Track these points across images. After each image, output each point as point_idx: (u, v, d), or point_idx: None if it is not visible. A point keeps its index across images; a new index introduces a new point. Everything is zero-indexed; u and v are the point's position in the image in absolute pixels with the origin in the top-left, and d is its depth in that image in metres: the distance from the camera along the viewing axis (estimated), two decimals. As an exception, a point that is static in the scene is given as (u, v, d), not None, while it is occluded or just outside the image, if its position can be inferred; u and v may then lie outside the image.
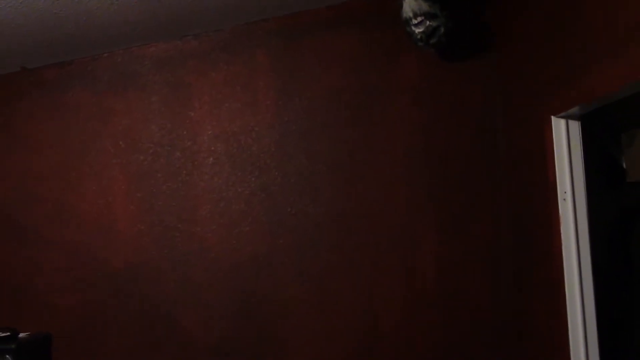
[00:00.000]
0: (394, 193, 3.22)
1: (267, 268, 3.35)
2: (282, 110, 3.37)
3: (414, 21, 2.93)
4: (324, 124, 3.32)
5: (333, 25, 3.34)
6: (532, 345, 2.93)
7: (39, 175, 3.65)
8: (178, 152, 3.50)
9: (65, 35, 3.32)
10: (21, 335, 2.77)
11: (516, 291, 3.06)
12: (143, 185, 3.52)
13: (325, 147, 3.31)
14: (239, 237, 3.39)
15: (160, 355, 3.41)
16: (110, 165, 3.57)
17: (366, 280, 3.23)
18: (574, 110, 2.45)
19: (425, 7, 2.91)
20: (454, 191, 3.16)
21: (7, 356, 2.57)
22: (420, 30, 2.93)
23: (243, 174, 3.41)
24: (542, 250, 2.71)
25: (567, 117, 2.53)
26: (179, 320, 3.41)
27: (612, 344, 2.68)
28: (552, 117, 2.55)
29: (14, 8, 2.95)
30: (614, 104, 2.30)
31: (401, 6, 2.96)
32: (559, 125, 2.55)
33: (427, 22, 2.92)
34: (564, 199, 2.51)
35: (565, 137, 2.54)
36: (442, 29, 2.93)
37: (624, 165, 3.26)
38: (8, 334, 2.73)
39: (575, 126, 2.55)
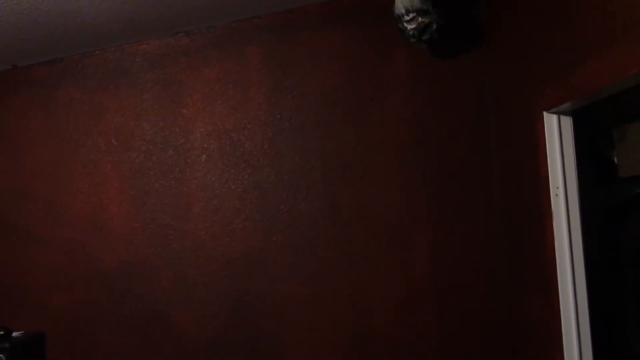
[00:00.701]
0: (387, 190, 3.23)
1: (260, 265, 3.35)
2: (275, 107, 3.37)
3: (406, 17, 2.93)
4: (317, 121, 3.32)
5: (325, 22, 3.34)
6: (526, 339, 2.95)
7: (30, 174, 3.63)
8: (171, 149, 3.49)
9: (56, 32, 3.30)
10: (15, 334, 2.77)
11: (510, 286, 3.08)
12: (136, 183, 3.51)
13: (318, 144, 3.31)
14: (233, 235, 3.39)
15: (154, 353, 3.40)
16: (102, 163, 3.56)
17: (360, 277, 3.24)
18: (566, 106, 2.46)
19: (417, 3, 2.91)
20: (447, 187, 3.17)
21: (1, 355, 2.56)
22: (413, 26, 2.93)
23: (236, 171, 3.41)
24: (534, 245, 2.73)
25: (559, 113, 2.54)
26: (173, 318, 3.41)
27: (604, 337, 2.70)
28: (544, 113, 2.56)
29: (4, 5, 2.93)
30: (605, 100, 2.31)
31: (393, 3, 2.97)
32: (550, 121, 2.56)
33: (419, 19, 2.92)
34: (556, 194, 2.53)
35: (557, 133, 2.55)
36: (434, 26, 2.94)
37: (616, 161, 3.27)
38: (2, 333, 2.73)
39: (567, 122, 2.56)
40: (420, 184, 3.20)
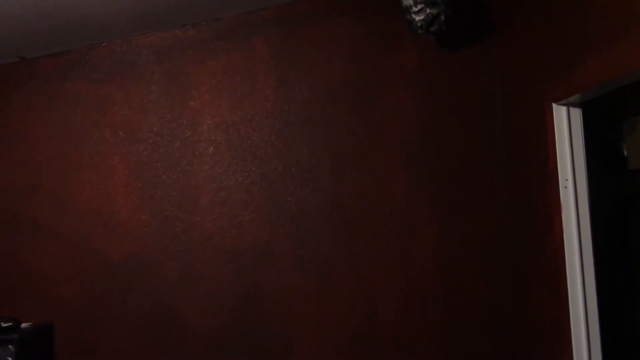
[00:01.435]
0: (394, 182, 3.22)
1: (267, 257, 3.35)
2: (282, 99, 3.36)
3: (414, 9, 2.92)
4: (324, 113, 3.31)
5: (332, 14, 3.32)
6: (531, 335, 2.94)
7: (38, 166, 3.64)
8: (178, 141, 3.49)
9: (63, 24, 3.30)
10: (23, 325, 2.77)
11: (515, 283, 3.07)
12: (143, 175, 3.51)
13: (326, 136, 3.30)
14: (240, 227, 3.39)
15: (160, 345, 3.41)
16: (109, 155, 3.56)
17: (366, 270, 3.23)
18: (575, 97, 2.45)
19: (425, -6, 2.90)
20: (454, 180, 3.16)
21: (10, 346, 2.57)
22: (421, 18, 2.92)
23: (243, 163, 3.41)
24: (542, 238, 2.71)
25: (568, 105, 2.53)
26: (180, 310, 3.41)
27: (613, 331, 2.69)
28: (554, 105, 2.54)
29: (12, -3, 2.93)
30: (614, 92, 2.30)
31: (401, -6, 2.95)
32: (560, 113, 2.55)
33: (428, 10, 2.90)
34: (565, 187, 2.51)
35: (566, 125, 2.54)
36: (443, 17, 2.92)
37: (625, 153, 3.26)
38: (10, 324, 2.72)
39: (577, 113, 2.54)
40: (426, 178, 3.18)
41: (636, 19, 1.91)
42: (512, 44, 2.99)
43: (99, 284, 3.52)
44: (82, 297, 3.52)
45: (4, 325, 2.72)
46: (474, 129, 3.15)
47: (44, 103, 3.67)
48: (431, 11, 2.90)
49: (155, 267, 3.46)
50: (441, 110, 3.18)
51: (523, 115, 2.88)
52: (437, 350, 3.15)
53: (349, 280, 3.25)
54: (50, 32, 3.38)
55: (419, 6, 2.91)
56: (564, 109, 2.53)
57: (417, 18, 2.92)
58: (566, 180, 2.52)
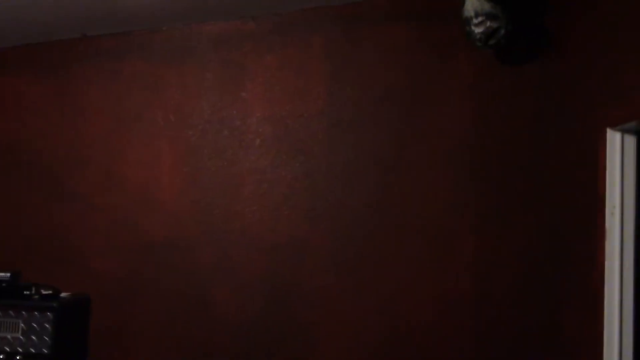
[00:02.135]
0: (436, 192, 3.21)
1: (302, 253, 3.37)
2: (333, 98, 3.38)
3: (475, 21, 2.91)
4: (374, 117, 3.32)
5: (391, 18, 3.33)
6: (563, 356, 2.91)
7: (89, 141, 3.73)
8: (226, 130, 3.54)
9: (126, 6, 3.38)
10: (63, 294, 2.86)
11: (551, 299, 3.03)
12: (189, 160, 3.57)
13: (373, 139, 3.31)
14: (278, 220, 3.43)
15: (190, 327, 3.47)
16: (159, 138, 3.63)
17: (400, 275, 3.23)
18: (631, 124, 2.41)
19: (487, 7, 2.88)
20: (498, 194, 3.14)
21: (49, 314, 2.65)
22: (480, 30, 2.91)
23: (288, 158, 3.44)
24: (583, 262, 2.68)
25: (623, 131, 2.50)
26: (212, 296, 3.47)
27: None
28: (608, 129, 2.51)
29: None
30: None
31: (463, 4, 2.94)
32: (614, 138, 2.51)
33: (488, 23, 2.89)
34: (612, 213, 2.48)
35: (619, 151, 2.50)
36: (502, 31, 2.90)
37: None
38: (50, 292, 2.82)
39: (631, 141, 2.51)
40: (470, 189, 3.16)
41: None
42: (570, 63, 2.96)
43: (136, 262, 3.60)
44: (119, 273, 3.60)
45: (44, 292, 2.82)
46: (523, 145, 3.12)
47: (102, 80, 3.76)
48: (491, 25, 2.88)
49: (191, 251, 3.52)
50: (492, 123, 3.16)
51: (576, 136, 2.84)
52: (466, 361, 3.14)
53: (381, 283, 3.25)
54: (112, 13, 3.46)
55: (480, 18, 2.89)
56: (618, 134, 2.50)
57: (477, 30, 2.91)
58: (613, 207, 2.49)
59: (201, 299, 3.48)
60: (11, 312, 2.68)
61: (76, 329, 2.88)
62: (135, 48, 3.71)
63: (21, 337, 2.67)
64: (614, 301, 2.45)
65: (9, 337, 2.67)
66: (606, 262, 2.47)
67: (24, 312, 2.68)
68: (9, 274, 2.79)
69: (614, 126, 2.47)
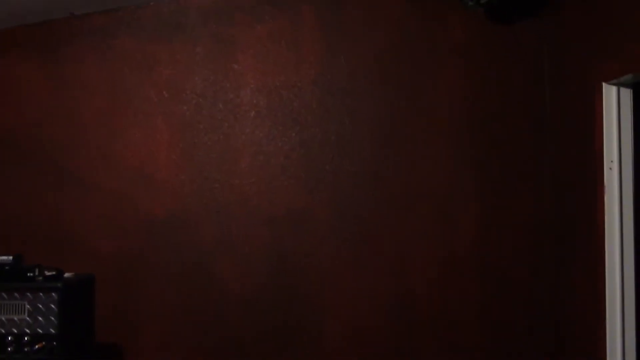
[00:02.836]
0: (435, 156, 3.21)
1: (303, 224, 3.38)
2: (326, 67, 3.36)
3: (466, -20, 2.87)
4: (368, 84, 3.30)
5: (381, -17, 3.29)
6: (569, 313, 2.93)
7: (84, 122, 3.71)
8: (220, 104, 3.52)
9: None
10: (66, 275, 2.87)
11: (555, 261, 3.05)
12: (185, 136, 3.56)
13: (368, 106, 3.30)
14: (277, 191, 3.43)
15: (196, 302, 3.49)
16: (153, 115, 3.61)
17: (402, 244, 3.25)
18: (627, 78, 2.40)
19: (478, -35, 2.85)
20: (498, 156, 3.14)
21: (54, 294, 2.66)
22: (472, -11, 2.87)
23: (284, 129, 3.43)
24: (584, 219, 2.69)
25: (619, 85, 2.48)
26: (216, 270, 3.48)
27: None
28: (604, 84, 2.50)
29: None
30: (670, 73, 2.24)
31: (453, -36, 2.90)
32: (610, 93, 2.50)
33: (479, -18, 2.86)
34: (610, 168, 2.48)
35: (615, 105, 2.49)
36: (494, -11, 2.87)
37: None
38: (54, 273, 2.83)
39: (627, 94, 2.50)
40: (470, 152, 3.16)
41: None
42: (564, 19, 2.93)
43: (138, 240, 3.61)
44: (121, 251, 3.61)
45: (48, 273, 2.83)
46: (520, 105, 3.11)
47: (93, 59, 3.72)
48: (483, -17, 2.85)
49: (192, 227, 3.53)
50: (488, 84, 3.14)
51: (572, 92, 2.83)
52: (473, 326, 3.16)
53: (385, 252, 3.27)
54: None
55: (471, -22, 2.86)
56: (614, 88, 2.49)
57: (469, -10, 2.87)
58: (611, 162, 2.48)
59: (205, 274, 3.50)
60: (16, 295, 2.69)
61: (82, 308, 2.89)
62: (124, 25, 3.67)
63: (27, 318, 2.69)
64: (614, 256, 2.46)
65: (15, 319, 2.69)
66: (606, 217, 2.47)
67: (28, 294, 2.70)
68: (11, 257, 2.80)
69: (609, 80, 2.45)
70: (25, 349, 2.65)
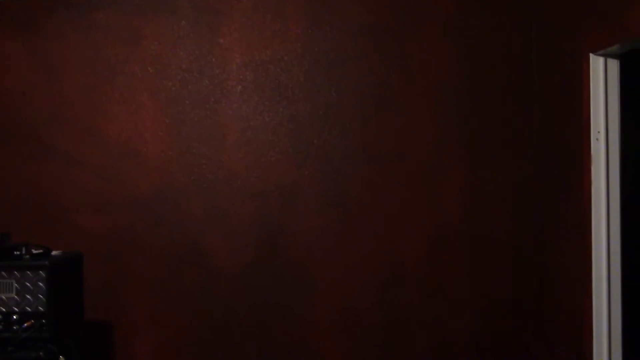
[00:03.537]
0: (423, 127, 3.21)
1: (292, 198, 3.38)
2: (312, 40, 3.33)
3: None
4: (354, 56, 3.28)
5: (367, -47, 3.24)
6: (554, 281, 2.96)
7: (68, 97, 3.65)
8: (206, 79, 3.48)
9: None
10: (54, 252, 2.85)
11: (542, 227, 3.07)
12: (171, 112, 3.52)
13: (355, 79, 3.28)
14: (266, 167, 3.42)
15: (187, 277, 3.49)
16: (138, 91, 3.57)
17: (392, 214, 3.28)
18: (614, 48, 2.39)
19: None
20: (485, 125, 3.15)
21: (41, 272, 2.65)
22: (459, -41, 2.84)
23: (271, 104, 3.41)
24: (571, 188, 2.70)
25: (606, 55, 2.48)
26: (205, 245, 3.48)
27: (635, 283, 2.69)
28: (591, 55, 2.49)
29: None
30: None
31: None
32: (597, 63, 2.50)
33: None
34: (597, 139, 2.49)
35: (602, 76, 2.49)
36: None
37: (660, 108, 3.19)
38: (41, 251, 2.81)
39: (614, 65, 2.49)
40: (457, 123, 3.17)
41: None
42: (552, -9, 2.91)
43: (126, 217, 3.59)
44: (109, 228, 3.59)
45: (35, 252, 2.81)
46: (507, 75, 3.11)
47: (76, 34, 3.65)
48: (470, -47, 2.81)
49: (181, 203, 3.51)
50: (475, 54, 3.13)
51: (560, 63, 2.82)
52: (462, 295, 3.21)
53: (374, 223, 3.30)
54: (81, -38, 3.34)
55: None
56: (601, 59, 2.48)
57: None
58: (598, 132, 2.49)
59: (194, 249, 3.50)
60: (3, 273, 2.67)
61: (70, 286, 2.88)
62: (107, -1, 3.60)
63: (16, 297, 2.67)
64: (601, 226, 2.48)
65: (3, 297, 2.67)
66: (592, 188, 2.49)
67: (16, 272, 2.68)
68: (-3, 236, 2.79)
69: (596, 51, 2.45)
70: (14, 327, 2.64)
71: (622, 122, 2.49)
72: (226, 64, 3.45)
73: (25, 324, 2.63)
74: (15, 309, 2.67)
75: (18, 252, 2.76)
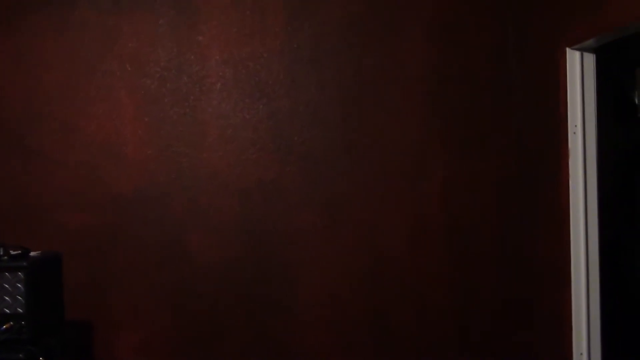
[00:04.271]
0: (403, 121, 3.24)
1: (274, 195, 3.38)
2: (292, 36, 3.33)
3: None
4: (335, 51, 3.28)
5: (345, -51, 3.24)
6: (535, 273, 2.99)
7: (46, 96, 3.61)
8: (185, 77, 3.46)
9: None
10: (32, 253, 2.82)
11: (521, 221, 3.09)
12: (150, 110, 3.50)
13: (335, 75, 3.29)
14: (247, 164, 3.41)
15: (168, 276, 3.47)
16: (117, 89, 3.53)
17: (373, 209, 3.30)
18: (590, 42, 2.41)
19: None
20: (464, 120, 3.17)
21: (19, 273, 2.62)
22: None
23: (251, 101, 3.40)
24: (549, 182, 2.72)
25: (582, 50, 2.50)
26: (187, 243, 3.46)
27: (613, 276, 2.73)
28: (567, 49, 2.52)
29: None
30: (630, 38, 2.26)
31: None
32: (573, 58, 2.52)
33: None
34: (574, 133, 2.51)
35: (579, 70, 2.51)
36: (459, -45, 2.85)
37: (637, 102, 3.23)
38: (19, 252, 2.78)
39: (590, 59, 2.52)
40: (437, 117, 3.19)
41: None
42: (529, -14, 2.92)
43: (106, 216, 3.55)
44: (91, 227, 3.56)
45: (13, 253, 2.78)
46: (486, 70, 3.13)
47: (52, 31, 3.61)
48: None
49: (162, 201, 3.49)
50: (454, 50, 3.15)
51: (537, 58, 2.84)
52: (443, 288, 3.25)
53: (356, 217, 3.32)
54: (57, -41, 3.30)
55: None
56: (577, 53, 2.50)
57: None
58: (575, 126, 2.51)
59: (176, 247, 3.48)
60: (-19, 275, 2.64)
61: (49, 286, 2.85)
62: (83, -4, 3.56)
63: (-6, 299, 2.64)
64: (579, 217, 2.50)
65: (-19, 300, 2.64)
66: (570, 182, 2.51)
67: (-6, 274, 2.64)
68: (-26, 237, 2.75)
69: (572, 45, 2.47)
70: (-7, 330, 2.61)
71: (598, 116, 2.52)
72: (205, 61, 3.43)
73: (4, 326, 2.60)
74: (-6, 311, 2.64)
75: (-5, 254, 2.73)
